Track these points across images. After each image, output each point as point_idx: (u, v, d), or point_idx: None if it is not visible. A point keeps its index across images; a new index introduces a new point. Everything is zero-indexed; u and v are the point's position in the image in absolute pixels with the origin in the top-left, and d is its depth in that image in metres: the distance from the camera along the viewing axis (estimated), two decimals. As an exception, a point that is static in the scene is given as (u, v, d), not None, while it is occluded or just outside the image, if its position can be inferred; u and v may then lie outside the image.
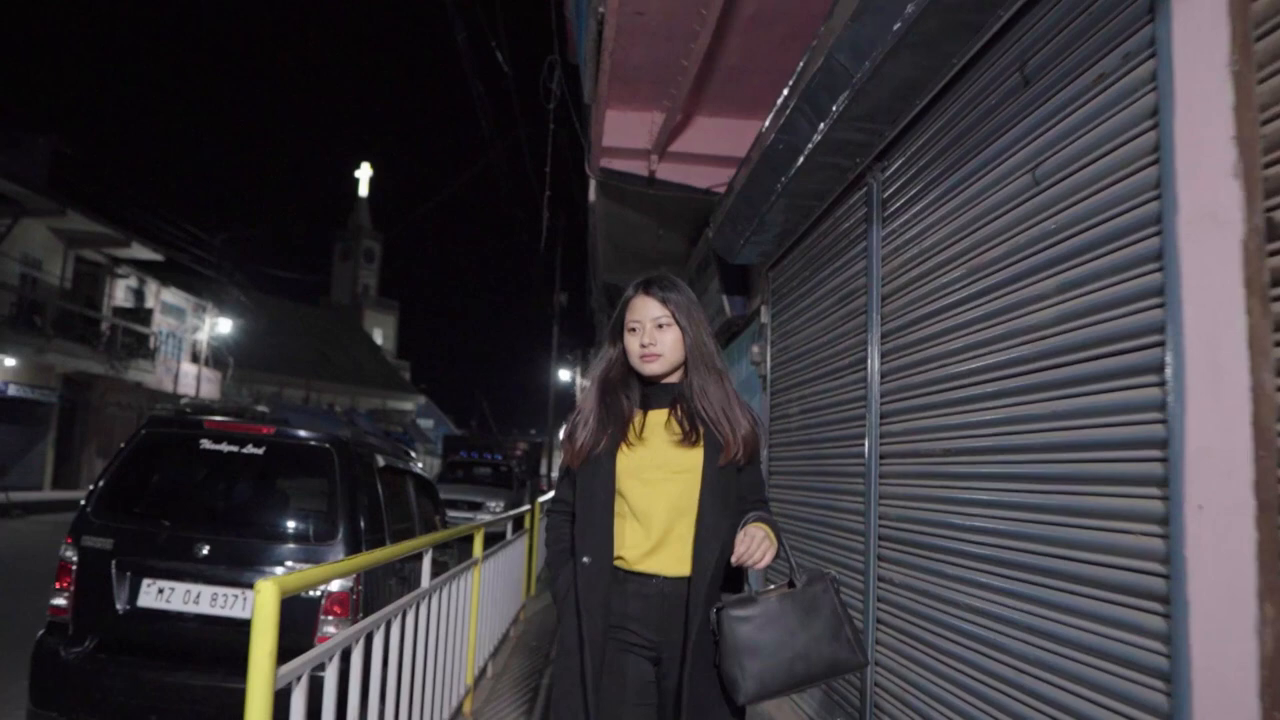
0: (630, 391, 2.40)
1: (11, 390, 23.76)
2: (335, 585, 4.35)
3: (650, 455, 2.31)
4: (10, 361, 23.14)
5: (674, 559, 2.25)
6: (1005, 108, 2.96)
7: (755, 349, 6.35)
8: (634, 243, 8.01)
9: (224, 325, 34.73)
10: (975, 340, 3.12)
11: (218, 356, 35.87)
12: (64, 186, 24.76)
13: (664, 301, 2.34)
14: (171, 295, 32.60)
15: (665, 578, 2.25)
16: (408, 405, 59.83)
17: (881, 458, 3.99)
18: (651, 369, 2.34)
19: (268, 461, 4.94)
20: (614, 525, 2.28)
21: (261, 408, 19.15)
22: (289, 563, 4.48)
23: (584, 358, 40.21)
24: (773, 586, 2.20)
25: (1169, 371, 2.06)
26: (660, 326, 2.33)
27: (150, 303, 31.10)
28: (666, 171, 6.45)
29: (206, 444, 4.91)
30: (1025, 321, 2.77)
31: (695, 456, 2.26)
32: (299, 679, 2.30)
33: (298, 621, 4.19)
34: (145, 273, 30.37)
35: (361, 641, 2.93)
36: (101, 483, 4.87)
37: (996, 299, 2.98)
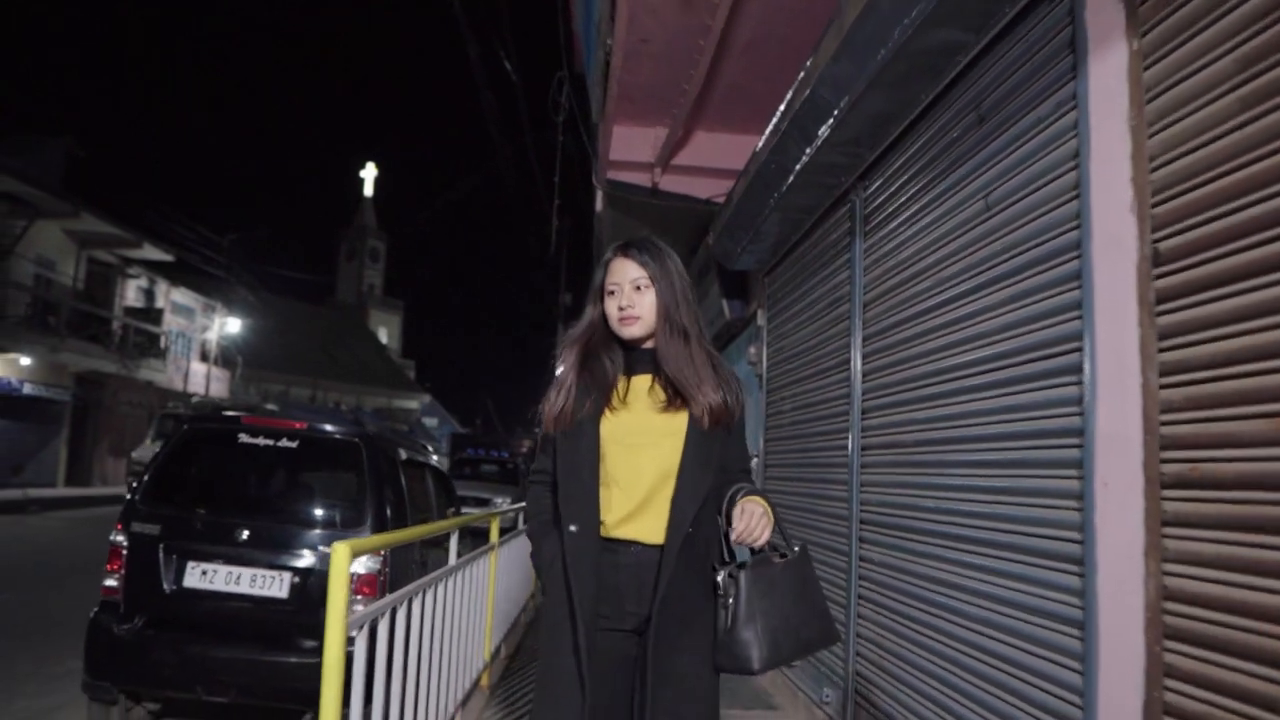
0: (613, 355, 2.33)
1: (26, 389, 24.20)
2: (363, 567, 4.76)
3: (634, 420, 2.25)
4: (25, 361, 23.58)
5: (653, 525, 2.19)
6: (964, 141, 3.39)
7: (752, 350, 6.77)
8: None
9: (233, 325, 35.18)
10: (941, 344, 3.55)
11: (226, 356, 36.33)
12: (77, 188, 25.22)
13: (643, 264, 2.27)
14: (181, 295, 33.03)
15: (644, 545, 2.20)
16: (412, 404, 60.22)
17: (863, 449, 4.42)
18: (630, 332, 2.27)
19: (300, 454, 5.34)
20: (596, 490, 2.22)
21: (271, 406, 19.66)
22: (320, 547, 4.86)
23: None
24: (773, 555, 2.15)
25: (1085, 373, 2.49)
26: (639, 289, 2.26)
27: (160, 302, 31.53)
28: (669, 183, 6.87)
29: (244, 438, 5.32)
30: (979, 329, 3.20)
31: (680, 420, 2.21)
32: (362, 626, 2.70)
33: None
34: (155, 273, 30.81)
35: (404, 606, 3.35)
36: (148, 474, 5.27)
37: (957, 308, 3.40)
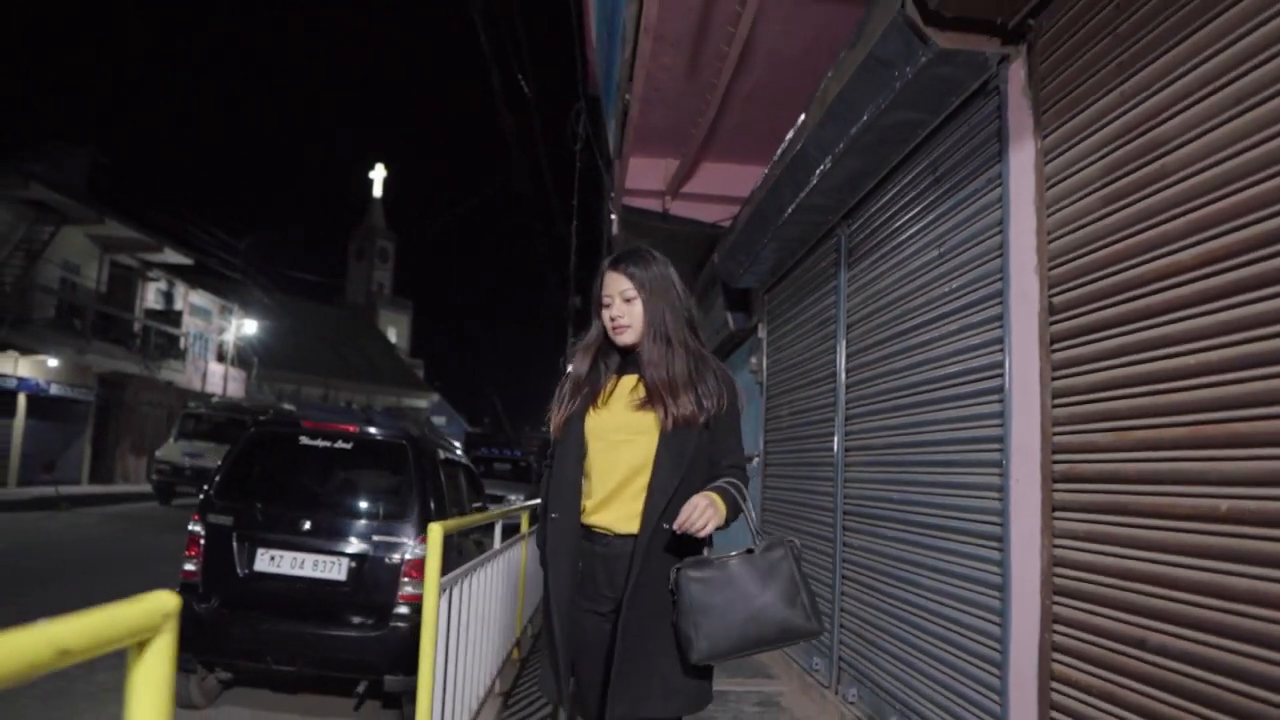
0: (610, 359, 2.53)
1: (53, 390, 24.99)
2: (410, 554, 5.47)
3: (613, 417, 2.42)
4: (53, 362, 24.37)
5: (624, 516, 2.35)
6: (924, 197, 4.12)
7: (754, 360, 7.50)
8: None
9: (249, 326, 35.96)
10: (906, 364, 4.28)
11: (243, 356, 37.10)
12: (102, 195, 26.00)
13: (629, 275, 2.43)
14: (199, 297, 33.80)
15: (615, 535, 2.35)
16: (421, 403, 60.90)
17: (846, 450, 5.14)
18: (623, 339, 2.46)
19: (354, 454, 6.06)
20: (579, 481, 2.42)
21: (289, 406, 20.45)
22: (374, 536, 5.55)
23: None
24: (734, 552, 2.27)
25: (1005, 394, 3.22)
26: (628, 300, 2.43)
27: (179, 304, 32.31)
28: (678, 208, 7.60)
29: (304, 440, 6.04)
30: (933, 353, 3.93)
31: (654, 418, 2.36)
32: (445, 590, 3.43)
33: (384, 582, 5.34)
34: (175, 276, 31.58)
35: (467, 577, 4.08)
36: (220, 473, 6.00)
37: (918, 334, 4.13)
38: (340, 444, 6.04)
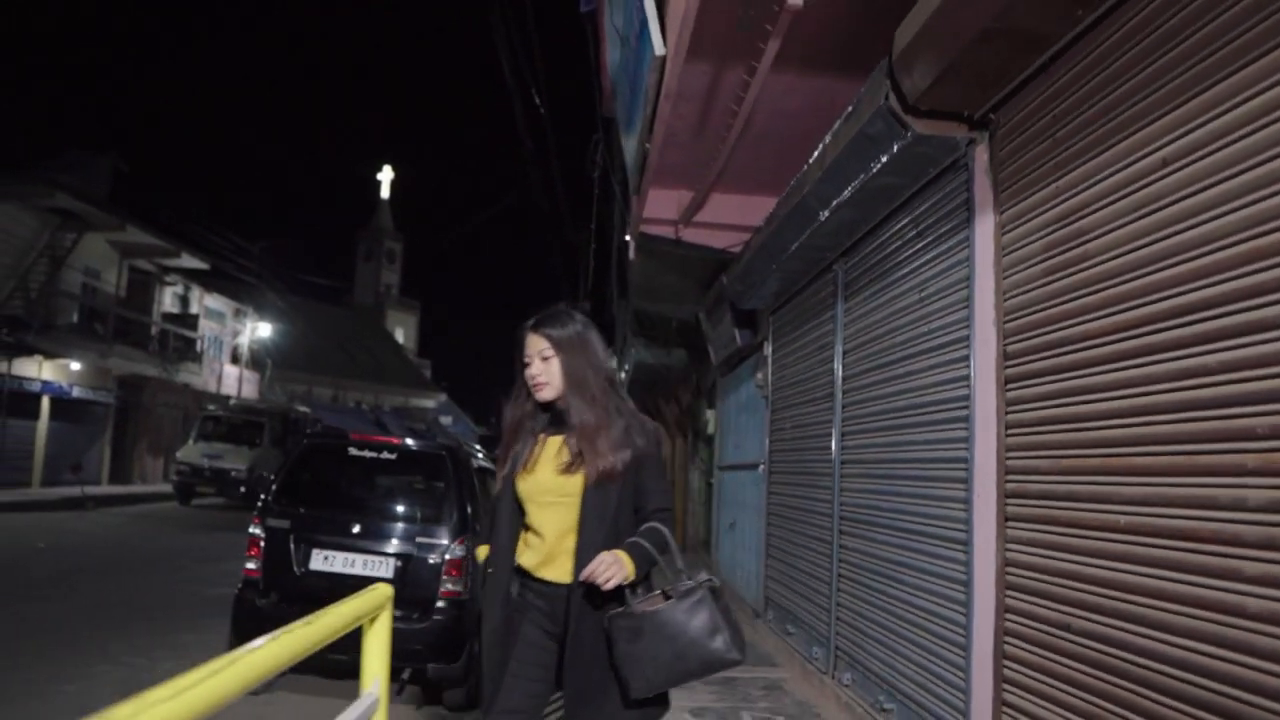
0: (537, 417, 2.72)
1: (75, 392, 25.69)
2: (450, 554, 6.09)
3: (541, 481, 2.61)
4: (75, 366, 25.06)
5: (562, 569, 2.56)
6: (909, 246, 4.77)
7: (759, 375, 8.16)
8: (661, 282, 9.83)
9: (263, 329, 36.66)
10: (893, 390, 4.94)
11: (256, 358, 37.79)
12: (123, 202, 26.69)
13: (546, 336, 2.63)
14: (214, 300, 34.47)
15: (556, 584, 2.57)
16: (429, 403, 61.45)
17: (842, 462, 5.80)
18: (543, 395, 2.65)
19: (398, 464, 6.70)
20: (517, 539, 2.67)
21: (303, 408, 21.13)
22: (417, 538, 6.15)
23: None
24: (656, 593, 2.50)
25: (970, 423, 3.87)
26: (545, 359, 2.62)
27: (195, 308, 32.97)
28: (690, 235, 8.26)
29: (353, 450, 6.69)
30: (915, 383, 4.59)
31: (577, 481, 2.55)
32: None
33: (427, 579, 5.95)
34: (190, 280, 32.26)
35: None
36: (277, 480, 6.64)
37: (904, 365, 4.79)
38: (385, 454, 6.67)
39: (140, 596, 9.93)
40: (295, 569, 6.15)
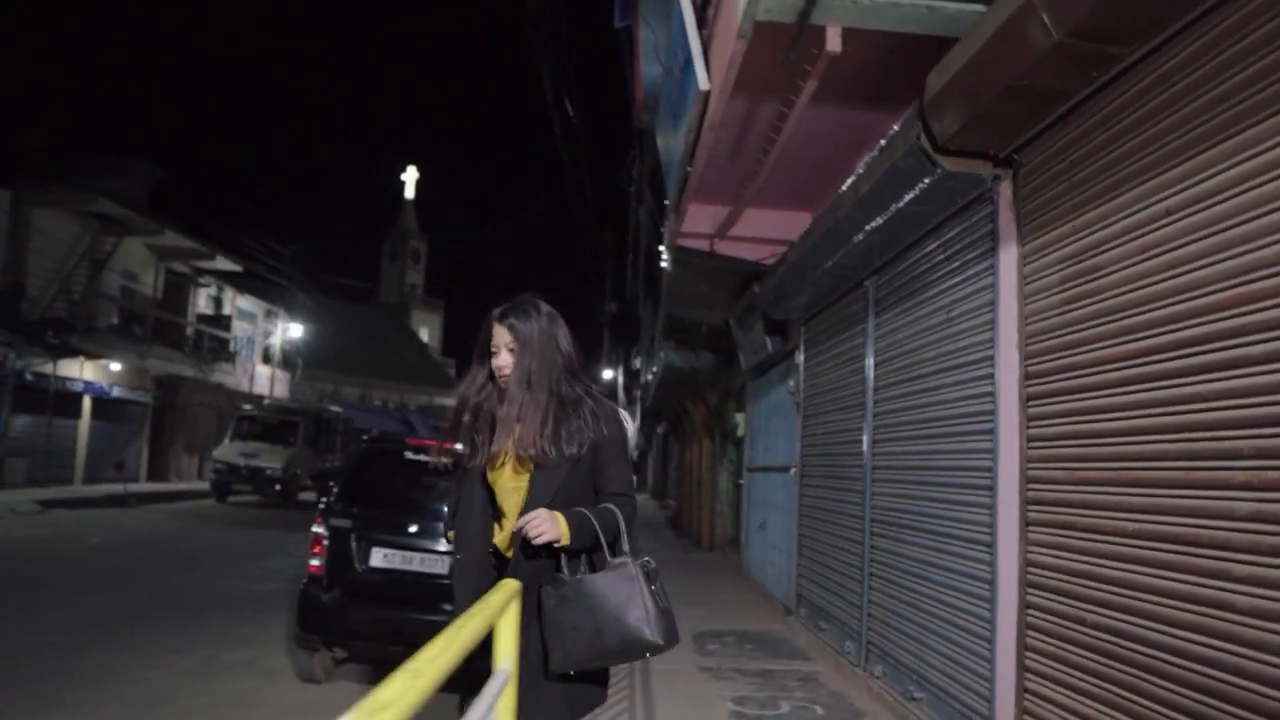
0: (495, 406, 2.72)
1: (115, 392, 26.36)
2: None
3: (504, 468, 2.67)
4: (115, 366, 25.73)
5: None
6: (938, 269, 5.15)
7: (791, 383, 8.55)
8: (694, 291, 10.23)
9: (294, 329, 37.32)
10: (922, 402, 5.32)
11: (287, 358, 38.46)
12: (161, 207, 27.34)
13: (510, 328, 2.67)
14: (245, 302, 35.16)
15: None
16: (453, 402, 61.97)
17: (873, 468, 6.18)
18: (507, 386, 2.67)
19: (451, 467, 7.12)
20: (489, 525, 2.71)
21: (335, 408, 21.72)
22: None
23: (627, 357, 42.48)
24: (583, 570, 2.51)
25: (994, 435, 4.25)
26: (511, 350, 2.66)
27: (228, 309, 33.66)
28: (724, 248, 8.65)
29: (408, 455, 7.11)
30: (942, 396, 4.97)
31: (528, 464, 2.62)
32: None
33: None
34: (224, 281, 32.93)
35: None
36: (338, 483, 7.07)
37: (932, 379, 5.17)
38: (443, 459, 7.08)
39: (193, 591, 10.42)
40: (356, 566, 6.54)
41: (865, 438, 6.32)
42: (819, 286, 6.94)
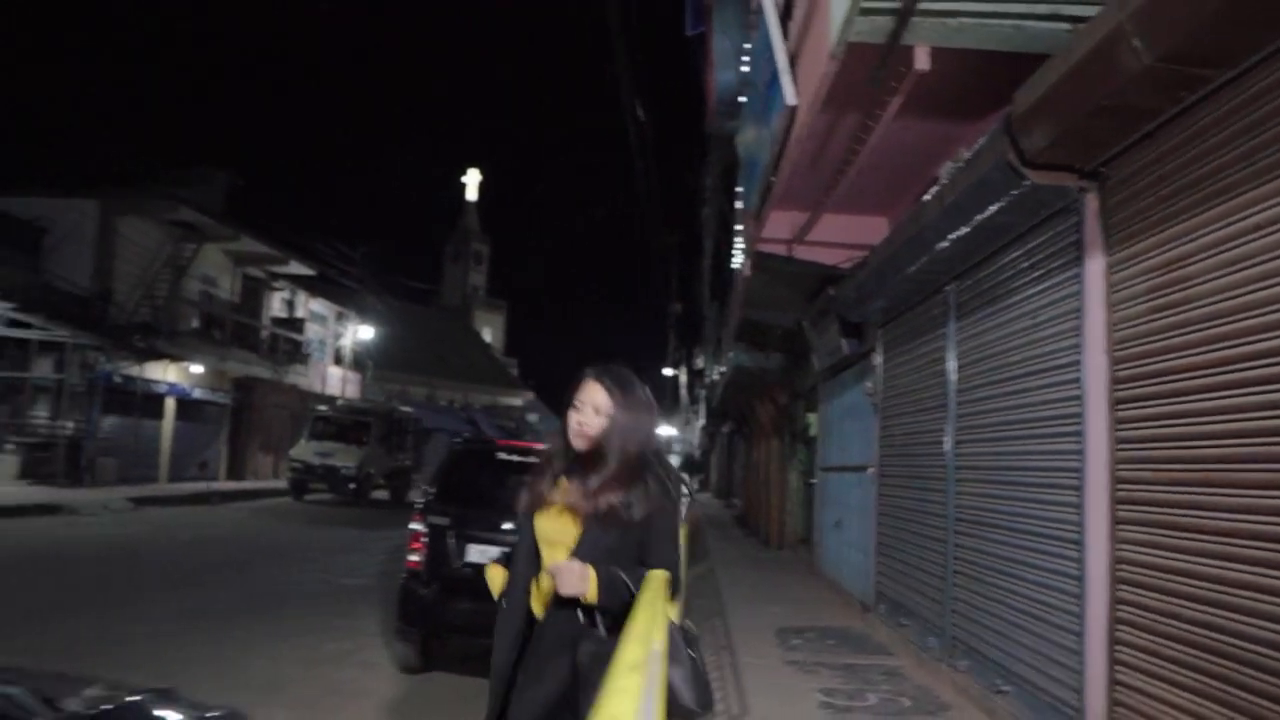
0: (563, 459, 2.71)
1: (196, 394, 27.30)
2: None
3: (552, 522, 2.62)
4: (196, 368, 26.64)
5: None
6: (1021, 276, 5.32)
7: (869, 384, 8.73)
8: (768, 293, 10.44)
9: (365, 331, 38.18)
10: (1010, 404, 5.49)
11: (357, 359, 39.32)
12: (238, 214, 28.22)
13: (606, 391, 2.62)
14: (317, 304, 36.07)
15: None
16: (517, 401, 62.75)
17: (957, 468, 6.35)
18: (578, 444, 2.63)
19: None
20: (531, 576, 2.66)
21: (406, 408, 22.28)
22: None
23: (689, 357, 42.78)
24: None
25: (1081, 437, 4.42)
26: (596, 411, 2.60)
27: (300, 312, 34.57)
28: (802, 252, 8.88)
29: (501, 455, 7.42)
30: (1029, 399, 5.14)
31: (578, 522, 2.57)
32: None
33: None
34: (296, 285, 33.83)
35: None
36: (435, 483, 7.40)
37: (1016, 382, 5.34)
38: (531, 459, 7.39)
39: (285, 585, 10.91)
40: (453, 562, 6.85)
41: (947, 439, 6.50)
42: (899, 291, 7.12)
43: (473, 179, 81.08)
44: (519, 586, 2.67)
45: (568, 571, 2.39)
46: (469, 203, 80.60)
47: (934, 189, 5.58)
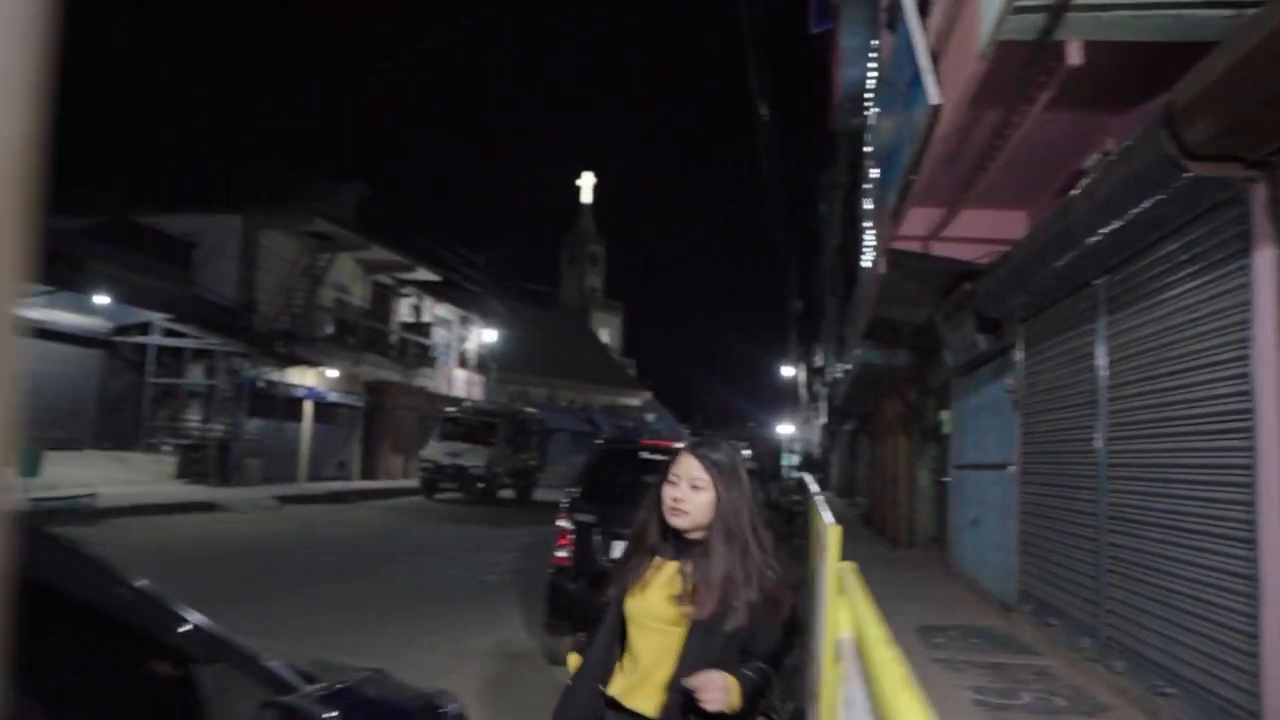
0: (657, 537, 2.55)
1: (331, 397, 28.45)
2: None
3: (650, 605, 2.45)
4: (331, 373, 27.77)
5: (649, 700, 2.41)
6: (1180, 269, 5.21)
7: (1009, 380, 8.60)
8: (900, 290, 10.37)
9: (489, 334, 39.16)
10: (1164, 400, 5.37)
11: (481, 362, 40.32)
12: (368, 224, 29.31)
13: (706, 466, 2.48)
14: (442, 309, 37.16)
15: (640, 715, 2.43)
16: (634, 401, 63.32)
17: (1109, 465, 6.23)
18: (677, 523, 2.46)
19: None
20: (607, 660, 2.52)
21: (530, 409, 22.82)
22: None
23: (808, 355, 42.51)
24: None
25: (1252, 434, 4.33)
26: (696, 488, 2.45)
27: (427, 316, 35.67)
28: (938, 249, 8.81)
29: (644, 454, 7.60)
30: (1190, 395, 5.03)
31: (685, 612, 2.38)
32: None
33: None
34: (423, 290, 34.92)
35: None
36: (580, 482, 7.63)
37: (1175, 378, 5.23)
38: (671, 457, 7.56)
39: (428, 580, 11.38)
40: (598, 558, 7.07)
41: (1098, 435, 6.38)
42: (1042, 286, 7.01)
43: (587, 182, 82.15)
44: (593, 667, 2.52)
45: (713, 687, 2.23)
46: (584, 205, 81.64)
47: (1081, 182, 5.49)
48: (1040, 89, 5.16)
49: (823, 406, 36.73)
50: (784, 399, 53.49)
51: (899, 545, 16.08)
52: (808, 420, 48.38)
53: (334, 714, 2.12)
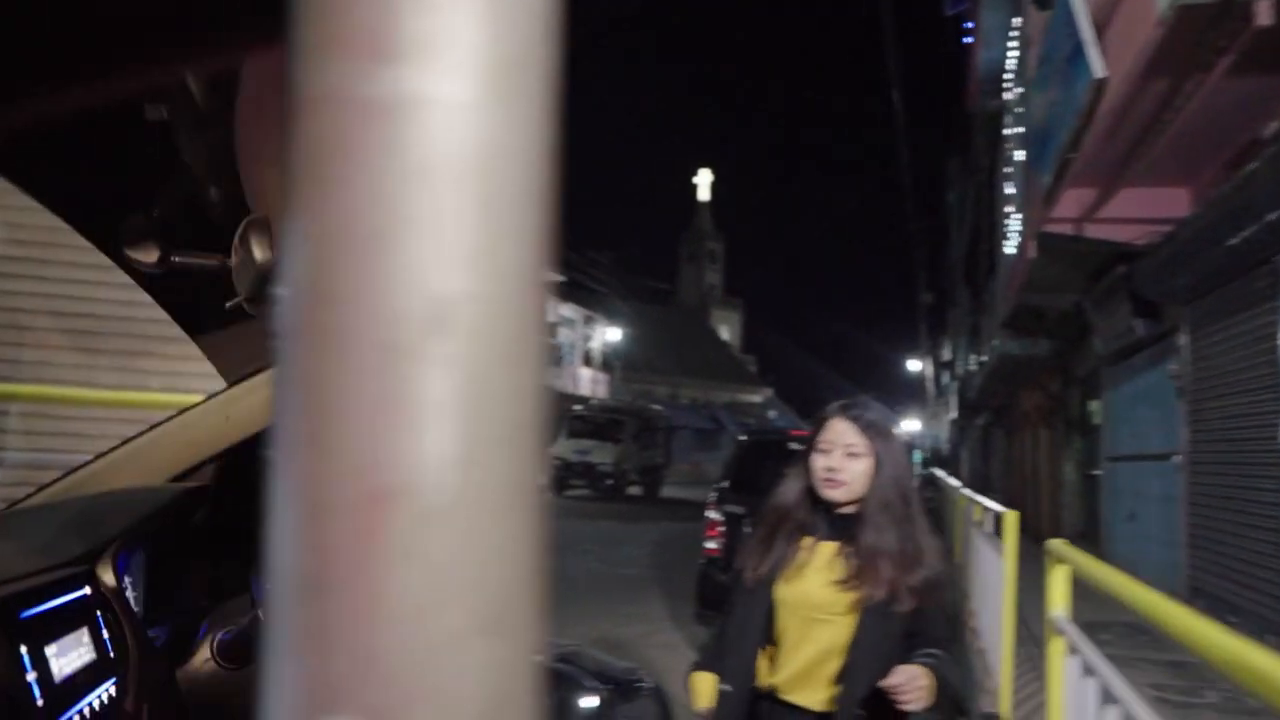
0: (806, 514, 2.28)
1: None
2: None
3: (810, 592, 2.21)
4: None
5: (817, 695, 2.21)
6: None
7: (1173, 366, 8.22)
8: (1045, 275, 10.02)
9: (613, 334, 39.57)
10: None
11: (605, 360, 40.73)
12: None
13: (862, 429, 2.21)
14: (567, 309, 37.67)
15: (807, 710, 2.22)
16: (756, 398, 62.88)
17: (1293, 452, 5.90)
18: (832, 494, 2.21)
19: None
20: (760, 653, 2.28)
21: (656, 407, 22.95)
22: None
23: (935, 349, 41.61)
24: None
25: None
26: (852, 454, 2.19)
27: (552, 316, 36.07)
28: (1093, 230, 8.49)
29: (792, 445, 7.55)
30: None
31: (859, 597, 2.16)
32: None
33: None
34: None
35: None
36: (728, 473, 7.65)
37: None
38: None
39: (571, 573, 11.52)
40: None
41: (1280, 419, 6.05)
42: (1212, 265, 6.66)
43: (704, 179, 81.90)
44: (745, 669, 2.26)
45: (915, 686, 2.00)
46: (701, 203, 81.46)
47: (1265, 153, 5.21)
48: (1220, 54, 4.90)
49: (952, 401, 35.89)
50: (910, 394, 52.47)
51: (1042, 541, 15.56)
52: (935, 415, 47.35)
53: (572, 669, 2.09)
